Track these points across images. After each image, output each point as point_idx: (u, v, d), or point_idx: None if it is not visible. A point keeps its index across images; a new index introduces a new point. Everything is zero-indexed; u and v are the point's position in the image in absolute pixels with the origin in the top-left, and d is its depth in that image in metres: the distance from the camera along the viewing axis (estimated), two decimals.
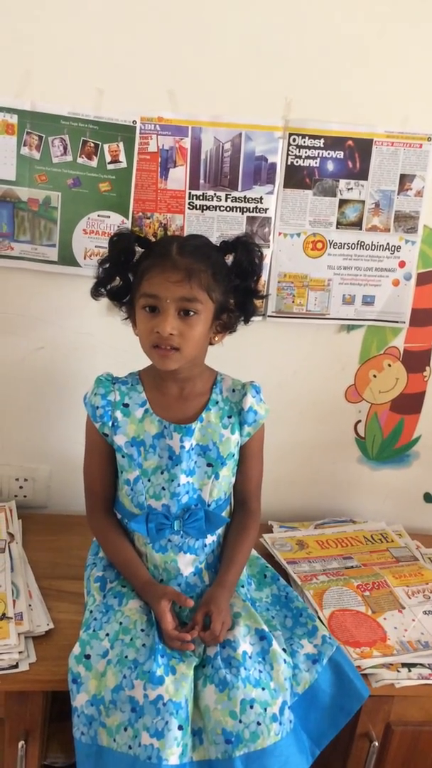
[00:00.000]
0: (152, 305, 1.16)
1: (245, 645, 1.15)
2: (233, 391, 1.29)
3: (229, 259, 1.24)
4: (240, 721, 1.07)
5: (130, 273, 1.22)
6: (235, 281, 1.22)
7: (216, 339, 1.24)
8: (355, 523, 1.67)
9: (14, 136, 1.36)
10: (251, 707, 1.08)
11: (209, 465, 1.25)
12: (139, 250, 1.23)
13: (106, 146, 1.39)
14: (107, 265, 1.23)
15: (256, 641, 1.17)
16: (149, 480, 1.23)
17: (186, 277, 1.14)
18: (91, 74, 1.35)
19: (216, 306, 1.19)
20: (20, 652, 1.15)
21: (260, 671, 1.13)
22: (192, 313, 1.16)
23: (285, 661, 1.15)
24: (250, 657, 1.14)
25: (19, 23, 1.31)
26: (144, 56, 1.35)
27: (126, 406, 1.25)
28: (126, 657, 1.09)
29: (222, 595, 1.19)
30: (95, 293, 1.25)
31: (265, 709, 1.08)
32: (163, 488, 1.23)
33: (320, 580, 1.42)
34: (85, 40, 1.33)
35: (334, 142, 1.46)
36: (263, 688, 1.10)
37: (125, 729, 1.05)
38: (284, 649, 1.18)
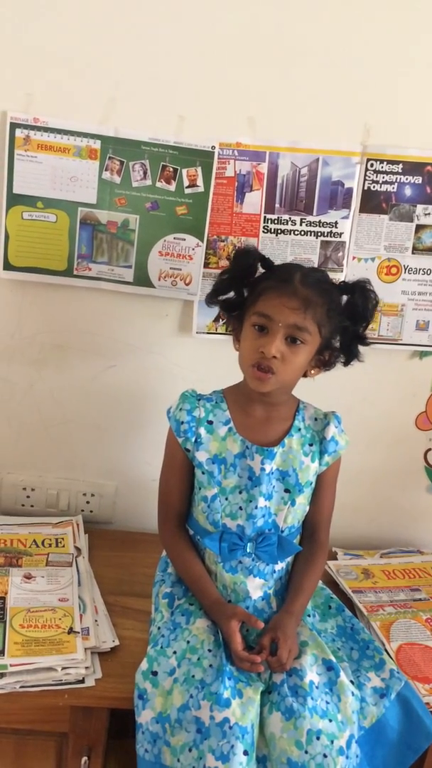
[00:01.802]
0: (263, 325, 1.17)
1: (312, 674, 1.13)
2: (315, 419, 1.29)
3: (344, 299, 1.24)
4: (306, 752, 1.04)
5: (245, 288, 1.24)
6: (345, 322, 1.23)
7: (312, 373, 1.25)
8: (422, 554, 1.62)
9: (97, 161, 1.40)
10: (318, 738, 1.05)
11: (287, 491, 1.24)
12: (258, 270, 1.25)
13: (184, 171, 1.42)
14: (226, 276, 1.26)
15: (323, 671, 1.15)
16: (227, 499, 1.24)
17: (303, 306, 1.15)
18: (173, 101, 1.38)
19: (322, 342, 1.20)
20: (87, 668, 1.15)
21: (327, 702, 1.10)
22: (299, 342, 1.17)
23: (353, 693, 1.13)
24: (317, 687, 1.11)
25: (105, 52, 1.35)
26: (225, 83, 1.38)
27: (210, 423, 1.26)
28: (193, 676, 1.09)
29: (289, 622, 1.18)
30: (210, 300, 1.27)
31: (332, 741, 1.06)
32: (240, 508, 1.23)
33: (387, 611, 1.38)
34: (168, 68, 1.37)
35: (412, 168, 1.45)
36: (330, 720, 1.08)
37: (190, 750, 1.04)
38: (351, 682, 1.15)
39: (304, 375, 1.24)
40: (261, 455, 1.23)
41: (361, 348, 1.26)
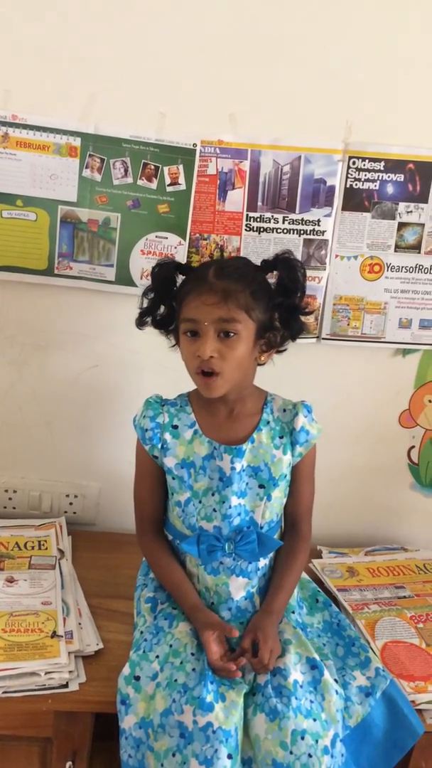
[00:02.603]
0: (192, 329, 1.16)
1: (296, 674, 1.12)
2: (284, 410, 1.28)
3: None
4: (291, 753, 1.04)
5: (174, 302, 1.23)
6: (278, 299, 1.21)
7: (262, 359, 1.23)
8: (406, 551, 1.63)
9: (77, 159, 1.39)
10: (302, 738, 1.05)
11: (261, 486, 1.24)
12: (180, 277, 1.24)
13: (166, 169, 1.40)
14: (152, 295, 1.24)
15: (307, 670, 1.14)
16: (200, 502, 1.23)
17: (222, 298, 1.14)
18: (154, 98, 1.37)
19: (257, 325, 1.18)
20: (70, 672, 1.14)
21: (311, 702, 1.10)
22: (232, 335, 1.15)
23: (337, 692, 1.12)
24: (301, 686, 1.11)
25: (85, 48, 1.34)
26: (206, 80, 1.37)
27: (175, 427, 1.25)
28: (176, 681, 1.08)
29: (269, 622, 1.17)
30: (140, 323, 1.26)
31: (317, 741, 1.05)
32: (215, 510, 1.22)
33: (372, 609, 1.38)
34: (148, 65, 1.35)
35: (394, 165, 1.45)
36: (314, 719, 1.08)
37: (173, 755, 1.03)
38: (336, 680, 1.15)
39: (259, 363, 1.23)
40: (230, 454, 1.22)
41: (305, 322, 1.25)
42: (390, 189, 1.46)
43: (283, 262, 1.22)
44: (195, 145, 1.40)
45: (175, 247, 1.44)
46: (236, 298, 1.14)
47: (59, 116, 1.36)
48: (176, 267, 1.24)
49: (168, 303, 1.24)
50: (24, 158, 1.37)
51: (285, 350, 1.26)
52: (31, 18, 1.31)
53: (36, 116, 1.36)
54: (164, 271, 1.23)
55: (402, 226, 1.49)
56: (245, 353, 1.17)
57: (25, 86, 1.34)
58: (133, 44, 1.34)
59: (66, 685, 1.13)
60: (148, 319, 1.25)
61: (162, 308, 1.24)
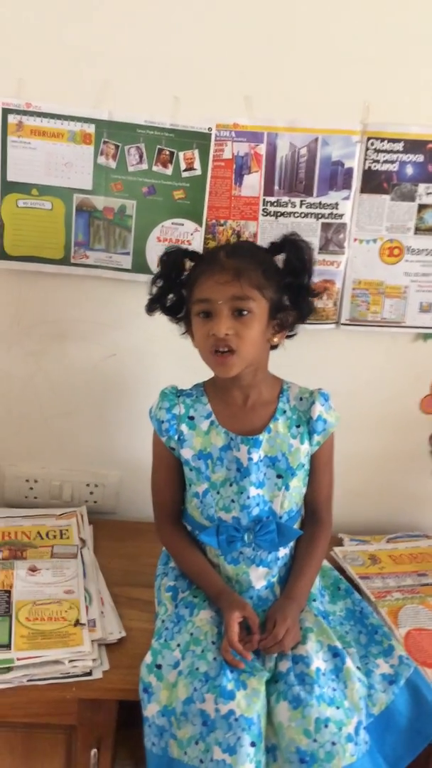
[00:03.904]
0: (206, 310, 1.16)
1: (318, 661, 1.12)
2: (301, 399, 1.27)
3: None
4: (314, 740, 1.04)
5: (183, 289, 1.23)
6: (287, 279, 1.21)
7: (275, 340, 1.22)
8: (429, 538, 1.61)
9: (91, 146, 1.37)
10: (326, 726, 1.05)
11: (279, 476, 1.23)
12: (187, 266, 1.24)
13: (181, 154, 1.39)
14: (160, 281, 1.24)
15: (329, 658, 1.14)
16: (218, 492, 1.22)
17: (235, 276, 1.14)
18: (168, 82, 1.35)
19: (270, 304, 1.18)
20: (94, 660, 1.15)
21: (334, 689, 1.10)
22: (246, 312, 1.15)
23: (359, 680, 1.12)
24: (323, 674, 1.11)
25: (97, 34, 1.32)
26: (220, 63, 1.35)
27: (191, 419, 1.24)
28: (197, 669, 1.08)
29: (288, 606, 1.17)
30: (149, 309, 1.26)
31: (341, 729, 1.05)
32: (233, 500, 1.21)
33: (395, 597, 1.37)
34: (161, 49, 1.33)
35: (413, 146, 1.41)
36: (338, 707, 1.07)
37: (196, 742, 1.04)
38: (358, 668, 1.15)
39: (272, 346, 1.23)
40: (246, 445, 1.21)
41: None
42: (409, 170, 1.44)
43: (290, 243, 1.22)
44: (210, 129, 1.38)
45: (191, 234, 1.43)
46: (248, 276, 1.14)
47: (73, 103, 1.35)
48: (184, 253, 1.24)
49: (177, 290, 1.24)
50: (39, 146, 1.36)
51: (295, 334, 1.25)
52: (42, 6, 1.30)
53: (50, 104, 1.34)
54: (173, 257, 1.23)
55: (422, 208, 1.46)
56: (259, 331, 1.17)
57: (38, 74, 1.33)
58: (146, 29, 1.32)
59: (90, 673, 1.14)
60: (158, 306, 1.25)
61: (171, 295, 1.24)
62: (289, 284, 1.20)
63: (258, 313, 1.15)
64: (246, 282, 1.14)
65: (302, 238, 1.22)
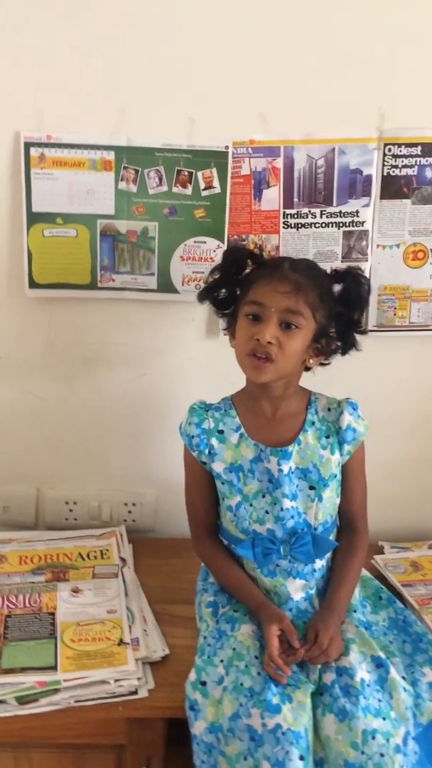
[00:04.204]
0: (256, 313, 1.17)
1: (362, 672, 1.11)
2: (329, 410, 1.27)
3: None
4: (362, 753, 1.03)
5: (237, 286, 1.24)
6: (339, 309, 1.21)
7: (311, 362, 1.23)
8: None
9: (112, 172, 1.40)
10: (373, 738, 1.04)
11: (312, 488, 1.23)
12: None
13: (199, 173, 1.41)
14: (217, 273, 1.26)
15: (372, 668, 1.13)
16: (251, 505, 1.23)
17: (294, 289, 1.15)
18: (182, 105, 1.37)
19: (317, 327, 1.19)
20: (139, 679, 1.16)
21: (380, 700, 1.09)
22: (293, 327, 1.16)
23: (405, 689, 1.11)
24: (368, 685, 1.10)
25: (112, 64, 1.35)
26: (233, 82, 1.36)
27: (221, 432, 1.25)
28: (242, 684, 1.09)
29: (330, 617, 1.16)
30: (202, 297, 1.28)
31: (388, 740, 1.04)
32: (267, 512, 1.22)
33: None
34: (174, 73, 1.36)
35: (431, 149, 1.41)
36: (384, 718, 1.06)
37: (245, 758, 1.04)
38: (404, 677, 1.14)
39: (306, 369, 1.24)
40: (276, 456, 1.22)
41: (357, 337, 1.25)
42: (429, 173, 1.43)
43: (353, 276, 1.23)
44: (227, 147, 1.40)
45: (214, 251, 1.44)
46: (306, 293, 1.16)
47: (92, 132, 1.38)
48: (249, 254, 1.26)
49: (231, 287, 1.25)
50: (61, 177, 1.40)
51: (329, 363, 1.26)
52: (55, 39, 1.33)
53: (69, 134, 1.38)
54: (236, 255, 1.25)
55: None
56: (300, 349, 1.17)
57: (56, 106, 1.36)
58: (158, 56, 1.35)
59: (135, 692, 1.15)
60: (209, 296, 1.27)
61: (224, 290, 1.26)
62: (339, 314, 1.22)
63: (304, 331, 1.17)
64: (302, 298, 1.15)
65: (364, 274, 1.25)
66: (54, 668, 1.16)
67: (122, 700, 1.14)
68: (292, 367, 1.20)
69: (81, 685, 1.14)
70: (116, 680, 1.15)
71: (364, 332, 1.27)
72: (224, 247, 1.44)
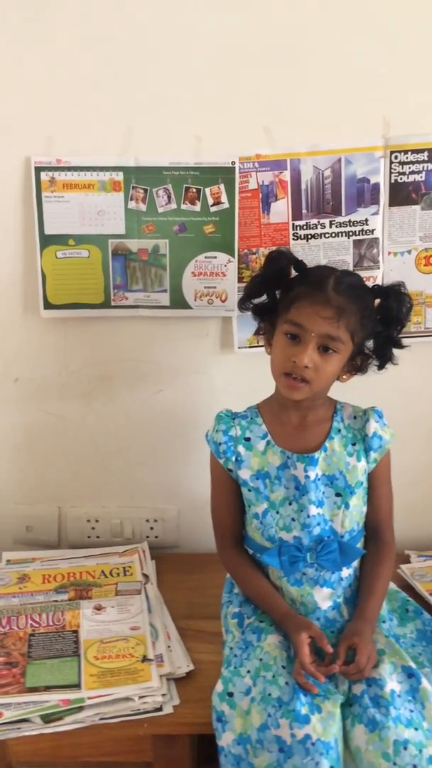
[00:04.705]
0: (295, 333, 1.17)
1: (392, 683, 1.09)
2: (354, 418, 1.27)
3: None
4: (394, 764, 1.00)
5: (278, 292, 1.24)
6: (378, 327, 1.21)
7: (344, 377, 1.23)
8: None
9: (121, 193, 1.43)
10: (405, 749, 1.01)
11: (338, 495, 1.22)
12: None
13: (207, 190, 1.43)
14: (258, 280, 1.26)
15: (403, 679, 1.11)
16: (278, 512, 1.22)
17: (336, 315, 1.14)
18: (188, 123, 1.40)
19: (354, 348, 1.19)
20: (163, 695, 1.15)
21: (411, 711, 1.06)
22: (331, 351, 1.16)
23: None
24: (399, 696, 1.08)
25: (118, 87, 1.38)
26: (237, 97, 1.39)
27: (247, 440, 1.25)
28: (269, 695, 1.07)
29: (365, 628, 1.15)
30: (242, 305, 1.28)
31: (421, 751, 1.01)
32: (293, 519, 1.21)
33: None
34: (179, 92, 1.39)
35: None
36: (416, 729, 1.04)
37: None
38: None
39: (337, 379, 1.23)
40: (303, 463, 1.21)
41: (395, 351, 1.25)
42: None
43: (395, 293, 1.22)
44: (233, 162, 1.42)
45: (225, 265, 1.46)
46: (348, 318, 1.15)
47: (100, 154, 1.41)
48: (295, 262, 1.24)
49: (272, 293, 1.25)
50: (72, 199, 1.43)
51: (365, 372, 1.26)
52: (61, 64, 1.37)
53: (78, 157, 1.41)
54: (280, 261, 1.24)
55: None
56: (335, 371, 1.18)
57: (65, 130, 1.40)
58: (163, 77, 1.38)
59: (160, 709, 1.14)
60: (250, 304, 1.27)
61: (264, 297, 1.26)
62: (378, 332, 1.22)
63: (342, 354, 1.17)
64: (344, 324, 1.15)
65: (406, 290, 1.23)
66: (78, 686, 1.15)
67: (147, 717, 1.13)
68: (327, 385, 1.21)
69: (105, 702, 1.13)
70: (140, 697, 1.14)
71: (402, 347, 1.25)
72: (235, 261, 1.46)
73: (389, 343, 1.23)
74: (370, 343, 1.24)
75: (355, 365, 1.23)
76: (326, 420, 1.26)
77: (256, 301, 1.26)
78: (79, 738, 1.11)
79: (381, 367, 1.25)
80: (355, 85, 1.39)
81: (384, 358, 1.24)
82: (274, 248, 1.42)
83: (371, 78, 1.38)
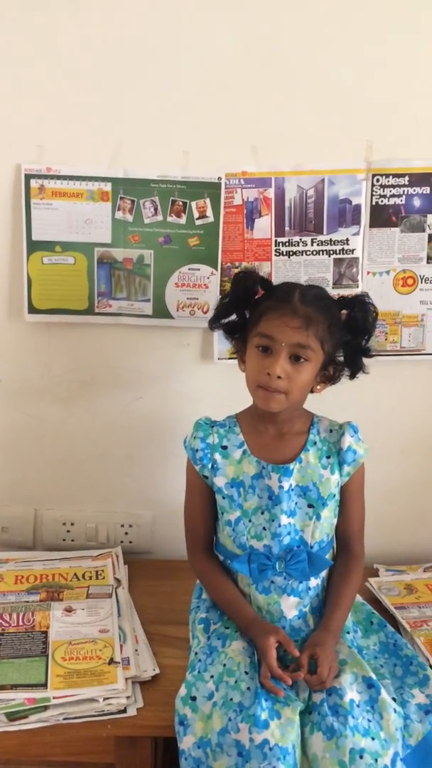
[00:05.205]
0: (266, 346, 1.19)
1: (352, 693, 1.11)
2: (331, 431, 1.30)
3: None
4: None
5: (247, 310, 1.27)
6: (346, 336, 1.24)
7: (318, 388, 1.26)
8: None
9: (109, 203, 1.45)
10: (361, 757, 1.04)
11: (310, 506, 1.25)
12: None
13: (193, 203, 1.46)
14: (227, 300, 1.28)
15: (363, 689, 1.13)
16: (250, 520, 1.25)
17: (304, 324, 1.17)
18: (178, 138, 1.43)
19: (325, 357, 1.22)
20: (128, 697, 1.16)
21: (369, 720, 1.09)
22: (303, 360, 1.19)
23: (395, 710, 1.11)
24: (357, 705, 1.10)
25: (110, 100, 1.41)
26: (226, 116, 1.42)
27: (224, 448, 1.28)
28: (231, 699, 1.09)
29: (328, 639, 1.17)
30: (213, 324, 1.31)
31: (376, 760, 1.04)
32: (264, 528, 1.24)
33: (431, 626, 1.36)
34: (169, 107, 1.42)
35: (419, 179, 1.46)
36: (373, 738, 1.06)
37: None
38: (394, 699, 1.14)
39: (311, 391, 1.26)
40: (278, 473, 1.24)
41: (365, 360, 1.27)
42: (417, 202, 1.48)
43: (360, 303, 1.25)
44: (220, 178, 1.45)
45: (208, 278, 1.49)
46: (316, 327, 1.18)
47: (90, 164, 1.44)
48: (261, 281, 1.27)
49: (241, 312, 1.27)
50: (60, 207, 1.45)
51: (337, 381, 1.28)
52: (54, 73, 1.40)
53: (68, 167, 1.43)
54: (247, 280, 1.26)
55: None
56: (309, 380, 1.21)
57: (56, 140, 1.42)
58: (154, 93, 1.41)
59: (124, 711, 1.15)
60: (219, 324, 1.29)
61: (234, 316, 1.28)
62: (347, 342, 1.25)
63: (314, 363, 1.20)
64: (313, 332, 1.18)
65: (371, 300, 1.26)
66: (44, 686, 1.17)
67: (111, 718, 1.14)
68: (302, 396, 1.24)
69: (70, 702, 1.14)
70: (105, 698, 1.15)
71: (371, 356, 1.28)
72: (217, 274, 1.49)
73: (358, 352, 1.26)
74: (341, 355, 1.27)
75: (328, 375, 1.25)
76: (303, 432, 1.29)
77: (225, 321, 1.29)
78: (43, 737, 1.12)
79: (353, 376, 1.27)
80: (340, 109, 1.43)
81: (355, 367, 1.26)
82: (254, 267, 1.46)
83: (357, 102, 1.42)
